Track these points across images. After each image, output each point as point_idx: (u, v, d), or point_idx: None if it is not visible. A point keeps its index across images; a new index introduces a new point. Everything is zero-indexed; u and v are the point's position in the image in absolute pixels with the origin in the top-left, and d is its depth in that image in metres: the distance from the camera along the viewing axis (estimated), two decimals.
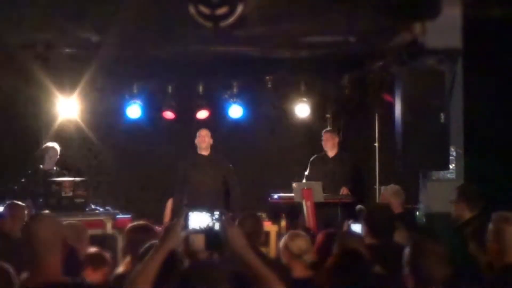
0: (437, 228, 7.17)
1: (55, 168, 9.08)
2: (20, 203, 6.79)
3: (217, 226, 3.05)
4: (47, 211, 4.32)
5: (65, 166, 9.30)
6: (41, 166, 8.91)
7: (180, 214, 3.08)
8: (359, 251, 4.03)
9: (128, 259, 4.63)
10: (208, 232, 3.06)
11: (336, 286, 3.59)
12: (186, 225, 3.05)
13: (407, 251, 3.51)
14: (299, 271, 4.90)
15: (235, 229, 3.08)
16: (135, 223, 5.06)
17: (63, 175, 9.01)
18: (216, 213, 3.06)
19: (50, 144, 9.11)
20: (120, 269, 4.59)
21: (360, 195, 9.48)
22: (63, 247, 3.33)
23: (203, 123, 10.02)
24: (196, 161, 9.13)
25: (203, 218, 3.06)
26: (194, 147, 9.23)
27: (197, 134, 9.18)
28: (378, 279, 3.82)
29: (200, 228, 3.06)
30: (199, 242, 3.95)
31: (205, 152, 9.16)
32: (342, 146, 10.12)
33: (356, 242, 4.58)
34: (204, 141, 9.10)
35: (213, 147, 9.23)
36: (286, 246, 5.05)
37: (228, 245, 3.02)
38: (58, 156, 9.18)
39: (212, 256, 4.02)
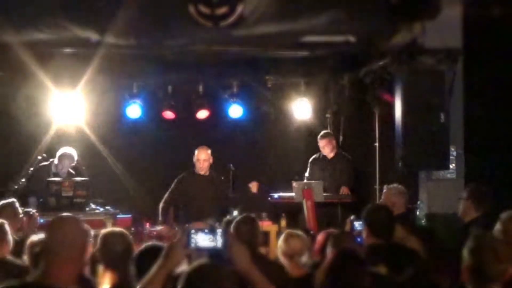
0: (437, 228, 7.17)
1: (67, 172, 9.10)
2: (8, 201, 6.78)
3: (219, 244, 3.00)
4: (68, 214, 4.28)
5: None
6: (52, 166, 8.93)
7: (181, 232, 3.05)
8: (355, 251, 4.03)
9: (109, 274, 4.48)
10: (210, 250, 3.01)
11: (332, 286, 3.59)
12: (188, 243, 3.01)
13: (466, 248, 3.47)
14: (295, 270, 4.93)
15: (238, 246, 3.04)
16: (111, 229, 4.98)
17: (72, 176, 9.00)
18: (219, 231, 3.02)
19: (66, 152, 9.08)
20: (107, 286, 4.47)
21: (360, 195, 9.50)
22: (83, 255, 3.25)
23: (203, 124, 10.03)
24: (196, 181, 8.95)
25: (205, 236, 3.01)
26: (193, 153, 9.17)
27: (196, 157, 8.94)
28: (378, 279, 3.81)
29: (202, 246, 3.01)
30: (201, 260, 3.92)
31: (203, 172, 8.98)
32: (342, 146, 10.14)
33: (351, 242, 4.58)
34: (203, 167, 8.93)
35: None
36: (279, 246, 5.08)
37: (231, 262, 2.98)
38: (74, 163, 9.17)
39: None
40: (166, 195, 8.92)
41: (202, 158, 8.89)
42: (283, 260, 5.07)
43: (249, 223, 5.08)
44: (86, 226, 3.38)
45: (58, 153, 9.08)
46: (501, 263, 3.34)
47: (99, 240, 4.64)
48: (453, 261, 4.34)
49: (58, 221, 3.37)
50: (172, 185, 8.98)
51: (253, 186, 9.08)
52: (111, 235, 4.71)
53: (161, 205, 8.83)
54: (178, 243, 3.02)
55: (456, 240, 5.81)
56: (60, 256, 3.17)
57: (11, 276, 4.00)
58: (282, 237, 5.16)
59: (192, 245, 3.00)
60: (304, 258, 5.03)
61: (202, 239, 3.01)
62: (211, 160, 8.96)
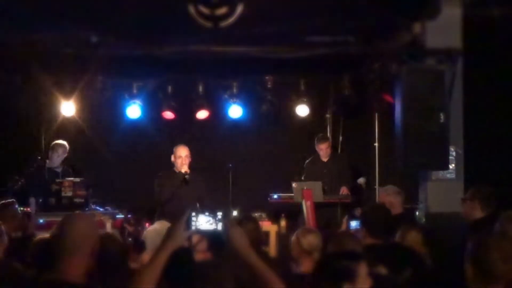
0: (437, 228, 7.16)
1: (62, 166, 9.09)
2: (8, 202, 6.79)
3: (219, 227, 3.06)
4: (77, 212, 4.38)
5: (68, 165, 9.34)
6: (47, 163, 8.92)
7: (183, 214, 3.08)
8: (356, 251, 4.03)
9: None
10: (210, 232, 3.07)
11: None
12: (189, 226, 3.06)
13: (469, 245, 3.48)
14: (306, 266, 4.93)
15: (237, 230, 3.09)
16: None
17: (69, 174, 9.01)
18: (219, 214, 3.07)
19: (59, 142, 9.12)
20: None
21: (359, 195, 9.51)
22: (93, 250, 3.32)
23: (203, 124, 10.03)
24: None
25: (205, 218, 3.07)
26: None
27: (175, 155, 8.66)
28: (378, 280, 3.82)
29: (203, 229, 3.07)
30: (202, 241, 3.95)
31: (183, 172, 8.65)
32: (342, 146, 10.15)
33: (352, 242, 4.59)
34: (185, 164, 8.63)
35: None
36: (297, 241, 5.06)
37: (230, 245, 3.03)
38: (67, 154, 9.18)
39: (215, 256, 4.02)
40: (157, 196, 8.66)
41: (184, 154, 8.61)
42: (296, 254, 5.06)
43: (251, 222, 5.12)
44: (95, 221, 3.45)
45: (52, 145, 9.09)
46: (507, 263, 3.33)
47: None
48: (454, 261, 4.35)
49: (74, 218, 3.46)
50: (157, 185, 8.71)
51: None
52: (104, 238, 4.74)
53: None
54: (180, 225, 3.06)
55: (457, 240, 5.81)
56: (74, 252, 3.25)
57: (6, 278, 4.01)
58: (299, 232, 5.14)
59: (193, 227, 3.06)
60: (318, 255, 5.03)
61: (203, 222, 3.07)
62: (190, 158, 8.77)
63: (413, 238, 5.15)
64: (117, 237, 4.81)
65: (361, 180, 9.50)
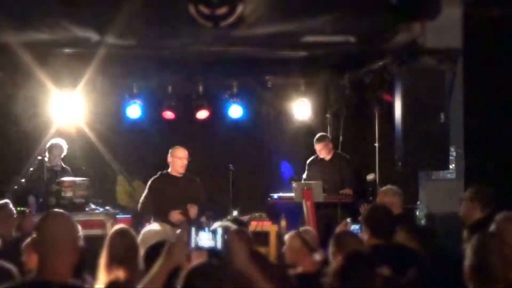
0: (437, 228, 7.17)
1: (61, 165, 9.09)
2: (2, 203, 6.78)
3: (219, 243, 3.06)
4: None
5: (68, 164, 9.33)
6: (45, 163, 8.91)
7: (183, 230, 3.08)
8: (366, 253, 4.03)
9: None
10: (210, 249, 3.06)
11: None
12: (189, 242, 3.06)
13: (470, 248, 3.48)
14: (306, 266, 4.92)
15: (237, 246, 3.08)
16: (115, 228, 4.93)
17: (68, 173, 9.00)
18: (219, 231, 3.06)
19: (54, 141, 9.11)
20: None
21: (359, 195, 9.49)
22: (75, 248, 3.27)
23: (203, 124, 10.03)
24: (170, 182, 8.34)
25: (205, 235, 3.06)
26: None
27: (175, 155, 8.35)
28: (383, 280, 3.82)
29: (203, 245, 3.06)
30: (201, 259, 3.94)
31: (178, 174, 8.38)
32: (342, 146, 10.14)
33: (356, 243, 4.58)
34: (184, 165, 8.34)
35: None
36: (299, 240, 5.03)
37: (229, 262, 3.02)
38: (65, 152, 9.16)
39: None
40: (143, 200, 8.38)
41: (185, 155, 8.34)
42: (295, 255, 5.04)
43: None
44: (75, 221, 3.41)
45: (47, 145, 9.08)
46: (507, 265, 3.34)
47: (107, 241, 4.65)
48: (454, 262, 4.35)
49: (49, 217, 3.39)
50: (147, 189, 8.41)
51: (192, 209, 8.16)
52: (115, 233, 4.73)
53: (140, 210, 8.42)
54: (180, 241, 3.05)
55: (457, 240, 5.81)
56: (53, 251, 3.19)
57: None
58: (297, 234, 5.11)
59: (193, 244, 3.05)
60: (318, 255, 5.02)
61: (202, 239, 3.06)
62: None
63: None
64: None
65: (370, 177, 9.47)
